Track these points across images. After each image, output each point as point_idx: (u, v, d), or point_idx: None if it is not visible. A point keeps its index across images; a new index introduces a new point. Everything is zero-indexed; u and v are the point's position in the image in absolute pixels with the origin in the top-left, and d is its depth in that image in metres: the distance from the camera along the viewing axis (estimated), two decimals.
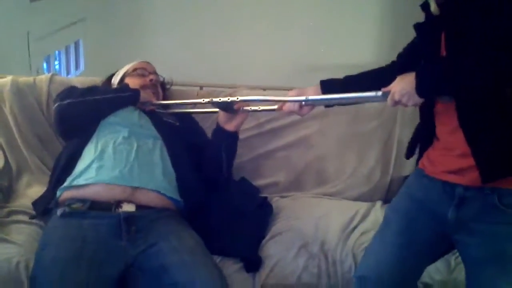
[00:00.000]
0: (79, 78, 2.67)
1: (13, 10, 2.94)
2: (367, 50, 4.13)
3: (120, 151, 1.95)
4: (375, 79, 1.72)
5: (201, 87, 2.56)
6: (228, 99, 1.98)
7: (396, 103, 1.48)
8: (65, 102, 2.06)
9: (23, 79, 2.39)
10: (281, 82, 3.14)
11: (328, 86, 1.79)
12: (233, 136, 2.09)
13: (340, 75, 1.80)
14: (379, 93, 1.54)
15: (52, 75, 2.43)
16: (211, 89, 2.53)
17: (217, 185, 2.12)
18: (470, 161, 1.43)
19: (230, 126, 2.05)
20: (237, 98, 1.97)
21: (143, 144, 2.00)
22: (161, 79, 2.36)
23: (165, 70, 2.41)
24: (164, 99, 2.30)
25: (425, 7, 1.51)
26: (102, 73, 2.44)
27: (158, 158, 1.99)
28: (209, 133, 2.22)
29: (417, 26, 1.57)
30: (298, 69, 4.07)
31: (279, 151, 2.43)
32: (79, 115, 2.06)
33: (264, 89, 2.54)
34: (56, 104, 2.08)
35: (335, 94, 1.73)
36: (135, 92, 2.13)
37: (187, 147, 2.11)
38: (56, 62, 3.74)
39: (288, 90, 2.43)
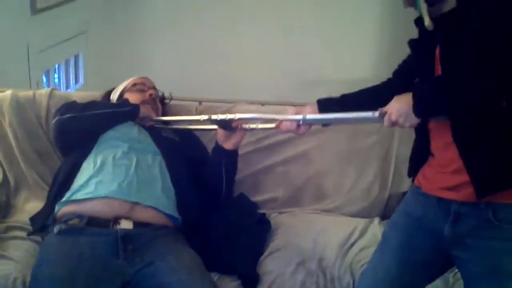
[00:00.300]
0: (78, 92, 2.68)
1: (13, 23, 2.94)
2: (367, 65, 4.13)
3: (119, 165, 1.95)
4: (372, 97, 1.73)
5: (200, 102, 2.56)
6: (227, 116, 1.98)
7: (393, 124, 1.49)
8: (65, 116, 2.06)
9: (23, 93, 2.39)
10: (280, 96, 3.15)
11: (325, 105, 1.79)
12: (233, 154, 2.10)
13: (339, 89, 1.81)
14: (376, 113, 1.55)
15: (52, 89, 2.43)
16: (210, 104, 2.54)
17: (217, 203, 2.12)
18: (465, 177, 1.43)
19: (228, 145, 2.06)
20: (235, 116, 1.98)
21: (143, 159, 2.00)
22: (160, 94, 2.36)
23: (164, 85, 2.41)
24: (163, 114, 2.31)
25: (418, 22, 1.51)
26: (101, 87, 2.45)
27: (157, 173, 1.99)
28: (209, 148, 2.23)
29: (412, 42, 1.57)
30: (297, 83, 4.07)
31: (277, 167, 2.43)
32: (79, 129, 2.07)
33: (263, 104, 2.54)
34: (56, 118, 2.09)
35: (333, 114, 1.74)
36: (135, 107, 2.14)
37: (187, 162, 2.11)
38: (56, 75, 3.74)
39: (288, 105, 2.46)
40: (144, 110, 2.17)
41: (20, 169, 2.28)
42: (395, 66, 1.75)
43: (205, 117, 2.05)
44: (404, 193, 1.81)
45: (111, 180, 1.90)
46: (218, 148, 2.09)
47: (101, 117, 2.09)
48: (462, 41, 1.38)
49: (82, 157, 2.01)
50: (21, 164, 2.28)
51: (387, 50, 4.06)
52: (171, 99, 2.43)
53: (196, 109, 2.46)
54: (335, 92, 1.81)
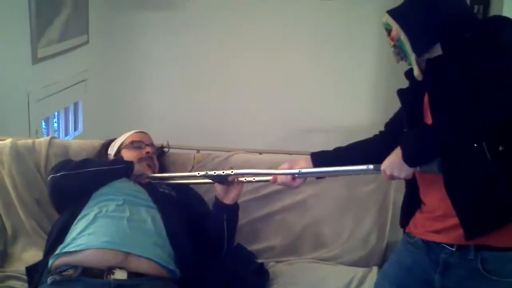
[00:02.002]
0: (77, 140, 2.69)
1: (14, 71, 2.98)
2: (364, 113, 4.17)
3: (112, 217, 1.94)
4: (364, 149, 1.77)
5: (198, 150, 2.57)
6: (223, 172, 2.02)
7: (391, 177, 1.51)
8: (58, 174, 2.08)
9: (22, 141, 2.41)
10: (278, 145, 3.17)
11: (318, 158, 1.82)
12: (233, 209, 2.12)
13: (336, 136, 1.83)
14: (370, 166, 1.59)
15: (51, 138, 2.46)
16: (208, 153, 2.55)
17: (218, 256, 2.12)
18: (453, 221, 1.44)
19: (228, 200, 2.09)
20: (231, 171, 2.00)
21: (136, 212, 2.00)
22: (159, 145, 2.37)
23: (162, 133, 2.43)
24: (160, 165, 2.32)
25: (408, 74, 1.55)
26: (100, 134, 2.46)
27: (151, 227, 1.97)
28: (210, 203, 2.23)
29: (400, 92, 1.61)
30: (295, 132, 4.11)
31: (275, 215, 2.42)
32: (72, 187, 2.07)
33: (261, 153, 2.56)
34: (50, 177, 2.10)
35: (328, 168, 1.76)
36: (128, 164, 2.14)
37: (184, 217, 2.11)
38: (55, 122, 3.76)
39: (285, 153, 2.48)
40: (139, 168, 2.17)
41: (18, 217, 2.28)
42: (391, 114, 1.78)
43: (201, 173, 2.08)
44: None
45: (103, 232, 1.89)
46: (218, 204, 2.10)
47: (95, 174, 2.09)
48: (449, 85, 1.41)
49: (76, 212, 2.01)
50: (20, 212, 2.28)
51: (384, 98, 4.10)
52: (169, 148, 2.45)
53: (194, 158, 2.48)
54: (333, 139, 1.83)
